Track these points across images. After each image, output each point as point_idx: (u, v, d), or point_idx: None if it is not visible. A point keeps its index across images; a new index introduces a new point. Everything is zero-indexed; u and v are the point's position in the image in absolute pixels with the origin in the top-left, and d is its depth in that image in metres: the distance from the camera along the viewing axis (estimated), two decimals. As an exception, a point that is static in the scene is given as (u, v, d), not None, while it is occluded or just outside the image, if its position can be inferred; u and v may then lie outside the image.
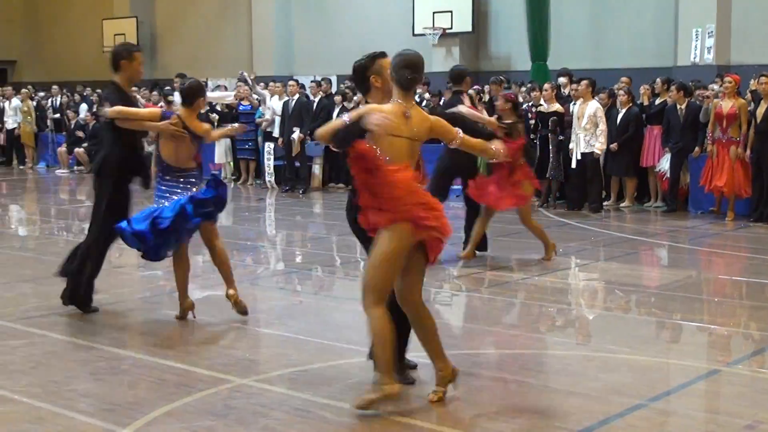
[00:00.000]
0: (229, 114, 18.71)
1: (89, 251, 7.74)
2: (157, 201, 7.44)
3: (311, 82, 18.90)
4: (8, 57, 31.72)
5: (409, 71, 5.36)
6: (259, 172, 18.40)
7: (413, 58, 5.45)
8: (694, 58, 17.42)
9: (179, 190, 7.41)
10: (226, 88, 19.73)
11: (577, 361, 6.65)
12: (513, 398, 5.83)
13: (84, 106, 22.31)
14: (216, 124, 18.70)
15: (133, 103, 7.97)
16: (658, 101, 14.46)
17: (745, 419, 5.28)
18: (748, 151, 12.80)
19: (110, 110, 7.41)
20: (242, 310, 7.49)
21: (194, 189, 7.47)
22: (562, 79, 15.87)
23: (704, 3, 17.41)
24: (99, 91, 23.02)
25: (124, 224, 7.32)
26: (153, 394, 5.75)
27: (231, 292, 7.52)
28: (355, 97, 17.23)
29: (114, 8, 27.79)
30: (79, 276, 7.70)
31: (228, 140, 18.66)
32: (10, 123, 22.61)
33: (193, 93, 7.63)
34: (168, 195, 7.42)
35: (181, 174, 7.49)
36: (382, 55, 5.76)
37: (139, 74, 8.00)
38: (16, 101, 22.28)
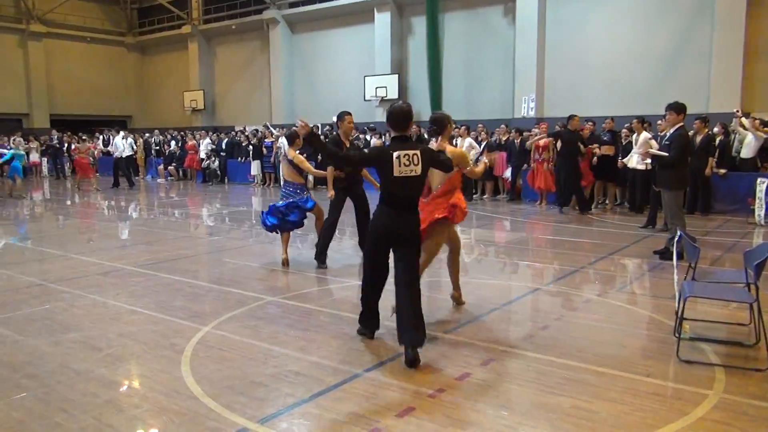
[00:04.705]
0: (259, 146, 18.70)
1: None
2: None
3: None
4: (127, 113, 31.14)
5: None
6: (277, 179, 18.28)
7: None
8: (524, 113, 17.69)
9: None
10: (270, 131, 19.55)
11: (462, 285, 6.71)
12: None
13: (173, 142, 22.11)
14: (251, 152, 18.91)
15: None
16: (504, 138, 14.64)
17: (553, 315, 5.44)
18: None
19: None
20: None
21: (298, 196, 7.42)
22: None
23: (530, 79, 17.63)
24: (182, 133, 22.94)
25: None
26: (221, 306, 5.75)
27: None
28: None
29: (190, 84, 27.38)
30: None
31: (259, 161, 18.68)
32: (127, 151, 22.07)
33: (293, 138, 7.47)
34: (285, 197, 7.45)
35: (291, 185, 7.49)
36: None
37: (350, 129, 7.21)
38: (130, 139, 21.62)
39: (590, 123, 13.28)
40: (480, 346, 4.63)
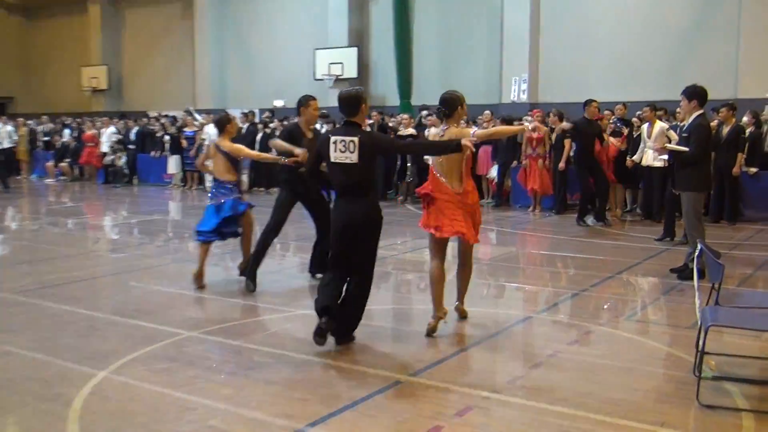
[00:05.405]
0: (177, 137, 18.52)
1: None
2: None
3: (240, 113, 18.71)
4: (7, 94, 30.53)
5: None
6: (201, 179, 18.15)
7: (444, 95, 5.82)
8: (514, 97, 17.85)
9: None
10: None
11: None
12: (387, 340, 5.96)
13: (66, 131, 21.86)
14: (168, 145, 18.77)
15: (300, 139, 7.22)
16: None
17: (547, 350, 5.52)
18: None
19: None
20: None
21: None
22: (424, 112, 16.04)
23: (521, 57, 17.85)
24: (78, 120, 22.56)
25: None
26: (123, 344, 5.64)
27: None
28: (271, 124, 17.20)
29: (90, 58, 26.99)
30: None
31: (178, 156, 18.49)
32: (6, 143, 21.65)
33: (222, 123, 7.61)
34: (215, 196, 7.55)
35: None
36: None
37: (315, 116, 7.45)
38: (9, 127, 21.16)
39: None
40: (455, 392, 4.63)
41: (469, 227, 5.79)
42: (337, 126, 5.45)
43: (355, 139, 5.25)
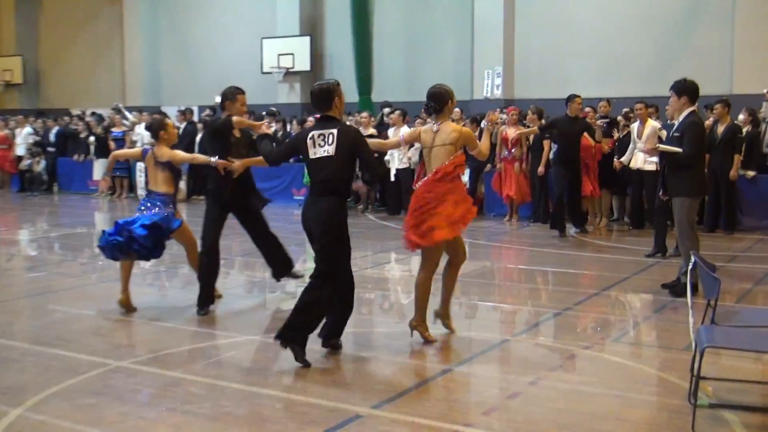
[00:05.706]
0: (104, 139, 18.37)
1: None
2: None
3: (177, 111, 18.58)
4: None
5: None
6: (132, 187, 17.97)
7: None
8: (486, 93, 17.99)
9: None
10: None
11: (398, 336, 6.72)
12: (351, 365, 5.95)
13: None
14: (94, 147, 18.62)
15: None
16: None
17: (526, 377, 5.54)
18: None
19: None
20: None
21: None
22: (386, 110, 16.11)
23: (494, 48, 18.02)
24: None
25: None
26: (42, 377, 5.54)
27: None
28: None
29: (2, 47, 26.64)
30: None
31: (105, 160, 18.30)
32: None
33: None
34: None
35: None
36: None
37: (242, 113, 7.42)
38: None
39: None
40: (423, 426, 4.62)
41: (413, 232, 6.08)
42: (313, 124, 5.92)
43: (333, 131, 5.62)
